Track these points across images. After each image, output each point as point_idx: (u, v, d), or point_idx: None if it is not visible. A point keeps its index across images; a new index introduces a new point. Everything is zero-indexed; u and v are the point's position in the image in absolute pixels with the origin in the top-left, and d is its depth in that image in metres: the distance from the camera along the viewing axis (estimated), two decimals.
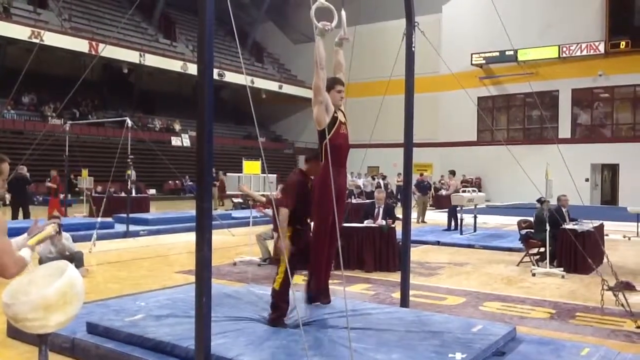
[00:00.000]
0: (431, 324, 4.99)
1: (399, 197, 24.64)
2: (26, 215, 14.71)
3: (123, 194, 18.30)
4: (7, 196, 14.09)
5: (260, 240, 10.15)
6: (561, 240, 9.44)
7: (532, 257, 9.86)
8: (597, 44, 28.90)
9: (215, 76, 27.39)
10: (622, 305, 6.22)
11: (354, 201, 17.32)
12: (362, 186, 23.09)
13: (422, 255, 11.03)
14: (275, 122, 41.70)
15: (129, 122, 14.00)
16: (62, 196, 17.19)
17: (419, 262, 10.16)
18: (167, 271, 9.27)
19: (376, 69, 26.50)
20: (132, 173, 15.20)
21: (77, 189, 20.40)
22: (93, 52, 26.89)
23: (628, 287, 7.59)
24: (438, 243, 12.83)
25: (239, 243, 12.31)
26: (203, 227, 3.75)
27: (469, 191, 14.90)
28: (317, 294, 5.26)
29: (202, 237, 3.73)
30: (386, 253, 9.47)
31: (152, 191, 27.38)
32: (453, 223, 14.89)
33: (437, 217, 18.43)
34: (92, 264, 9.44)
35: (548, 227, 9.22)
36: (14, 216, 14.71)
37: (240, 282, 8.13)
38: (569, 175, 7.89)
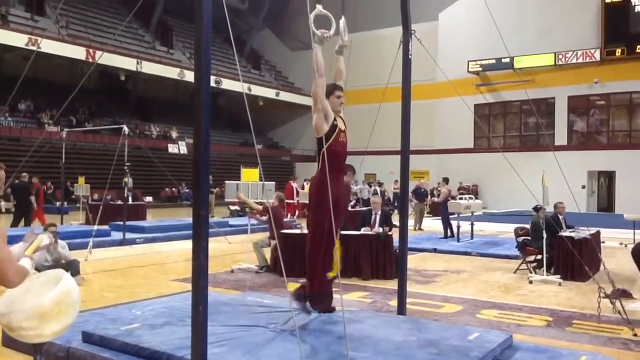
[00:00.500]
0: (428, 332, 4.97)
1: (395, 204, 24.64)
2: (28, 223, 14.66)
3: (119, 202, 18.27)
4: (3, 204, 14.06)
5: (257, 247, 10.14)
6: (558, 248, 9.44)
7: (529, 264, 9.86)
8: (592, 51, 29.04)
9: (212, 83, 27.46)
10: (619, 312, 6.21)
11: (350, 209, 17.30)
12: (358, 193, 23.08)
13: (419, 263, 11.02)
14: (273, 130, 41.75)
15: (126, 129, 13.98)
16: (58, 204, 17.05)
17: (416, 269, 10.15)
18: (164, 279, 9.23)
19: (373, 76, 26.63)
20: (128, 180, 15.17)
21: (73, 196, 20.37)
22: (90, 60, 26.91)
23: (625, 294, 7.59)
24: (435, 250, 12.82)
25: (236, 251, 12.29)
26: (200, 234, 3.73)
27: (465, 198, 14.91)
28: (313, 299, 5.17)
29: (199, 244, 3.72)
30: (383, 260, 9.44)
31: (149, 199, 27.34)
32: (449, 230, 14.90)
33: (434, 225, 18.43)
34: (88, 272, 9.39)
35: (545, 235, 9.23)
36: (15, 224, 14.65)
37: (237, 290, 8.10)
38: (566, 182, 7.90)
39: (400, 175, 6.11)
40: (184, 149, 31.80)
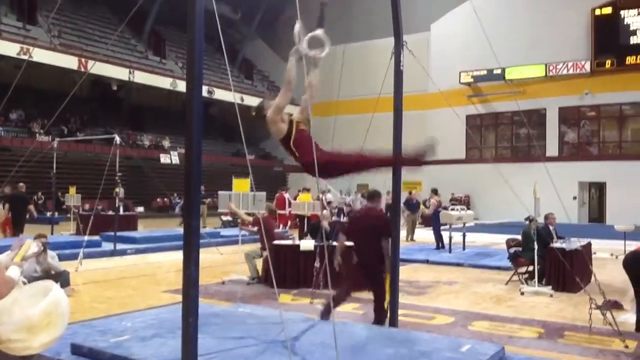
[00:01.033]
0: (420, 344, 4.96)
1: (387, 215, 24.57)
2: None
3: (111, 212, 18.17)
4: None
5: (249, 258, 10.10)
6: (549, 259, 9.46)
7: (520, 275, 9.87)
8: (583, 62, 29.24)
9: (205, 93, 27.44)
10: (610, 324, 6.22)
11: (343, 219, 17.29)
12: (351, 204, 23.08)
13: (411, 274, 11.00)
14: (265, 140, 41.67)
15: (118, 139, 13.93)
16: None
17: (408, 280, 10.13)
18: (155, 290, 9.16)
19: (365, 86, 26.63)
20: (120, 190, 15.09)
21: (64, 206, 20.24)
22: (82, 69, 26.82)
23: (616, 306, 7.60)
24: (427, 261, 12.82)
25: (227, 262, 12.23)
26: (190, 245, 3.71)
27: (457, 209, 14.93)
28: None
29: (190, 255, 3.70)
30: None
31: (140, 209, 27.20)
32: (440, 242, 14.91)
33: (427, 236, 18.42)
34: (78, 283, 9.31)
35: (536, 246, 9.23)
36: (15, 234, 14.45)
37: (228, 302, 8.05)
38: (556, 193, 7.92)
39: (392, 186, 6.11)
40: (176, 159, 31.70)
